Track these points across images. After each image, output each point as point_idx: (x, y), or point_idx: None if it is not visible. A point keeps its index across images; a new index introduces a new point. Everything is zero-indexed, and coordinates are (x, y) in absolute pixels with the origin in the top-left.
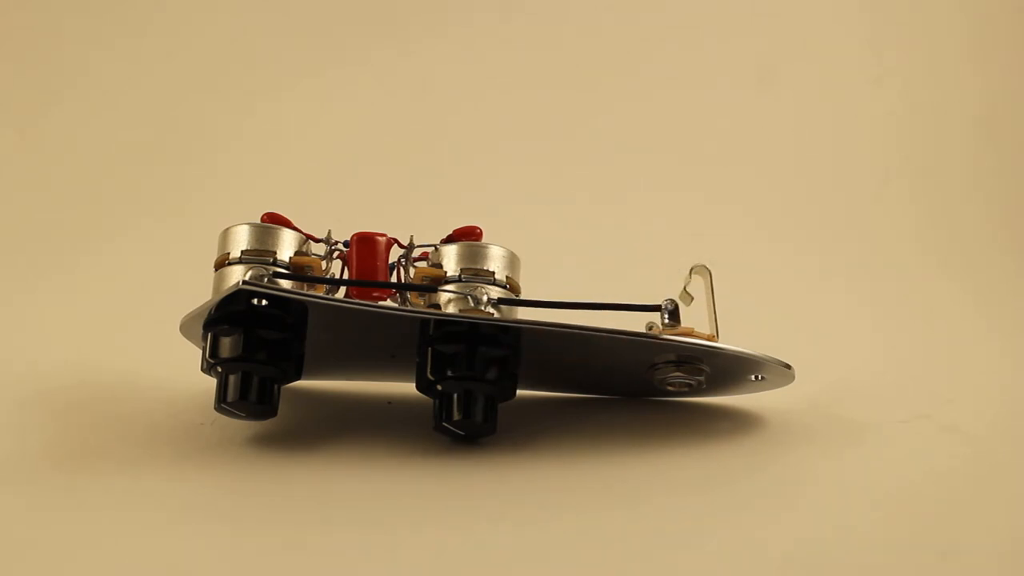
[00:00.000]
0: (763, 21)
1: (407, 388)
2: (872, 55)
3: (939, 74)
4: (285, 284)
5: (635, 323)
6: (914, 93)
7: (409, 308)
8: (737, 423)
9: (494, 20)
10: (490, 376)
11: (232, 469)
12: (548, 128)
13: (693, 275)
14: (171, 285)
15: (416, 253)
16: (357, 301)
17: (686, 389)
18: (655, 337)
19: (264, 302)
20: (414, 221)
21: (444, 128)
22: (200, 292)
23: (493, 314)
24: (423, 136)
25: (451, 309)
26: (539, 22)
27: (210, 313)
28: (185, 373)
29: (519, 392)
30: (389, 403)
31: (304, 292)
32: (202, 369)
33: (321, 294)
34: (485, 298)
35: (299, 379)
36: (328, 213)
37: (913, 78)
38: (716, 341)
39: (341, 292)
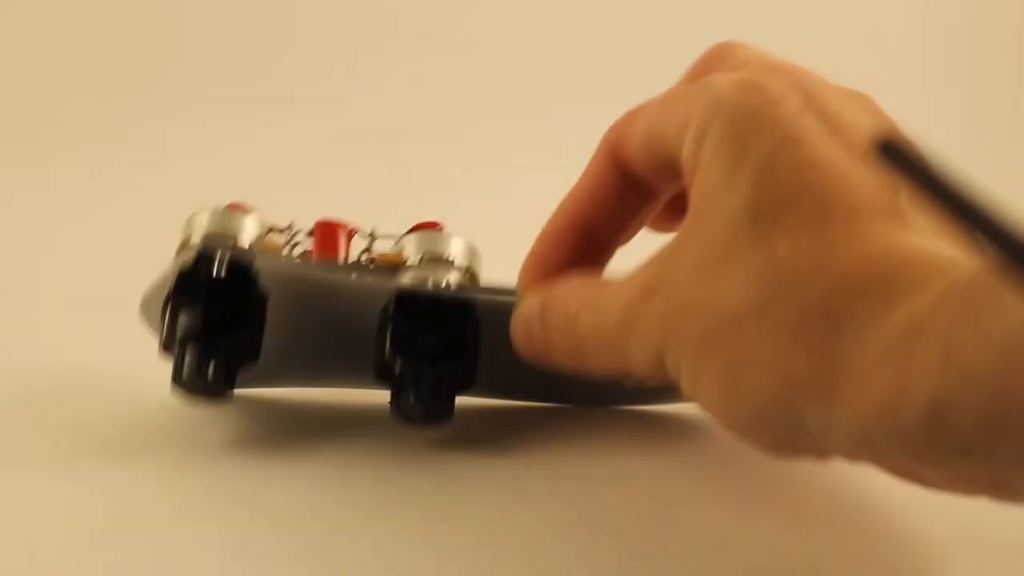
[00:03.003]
0: None
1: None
2: None
3: None
4: None
5: None
6: None
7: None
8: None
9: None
10: (447, 356)
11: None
12: (515, 124)
13: None
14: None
15: (377, 244)
16: (315, 265)
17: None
18: None
19: (223, 275)
20: (378, 219)
21: (410, 123)
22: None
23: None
24: (391, 130)
25: None
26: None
27: (168, 290)
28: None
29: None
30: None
31: (255, 252)
32: (160, 349)
33: (281, 258)
34: (445, 280)
35: (256, 360)
36: (293, 207)
37: None
38: None
39: None
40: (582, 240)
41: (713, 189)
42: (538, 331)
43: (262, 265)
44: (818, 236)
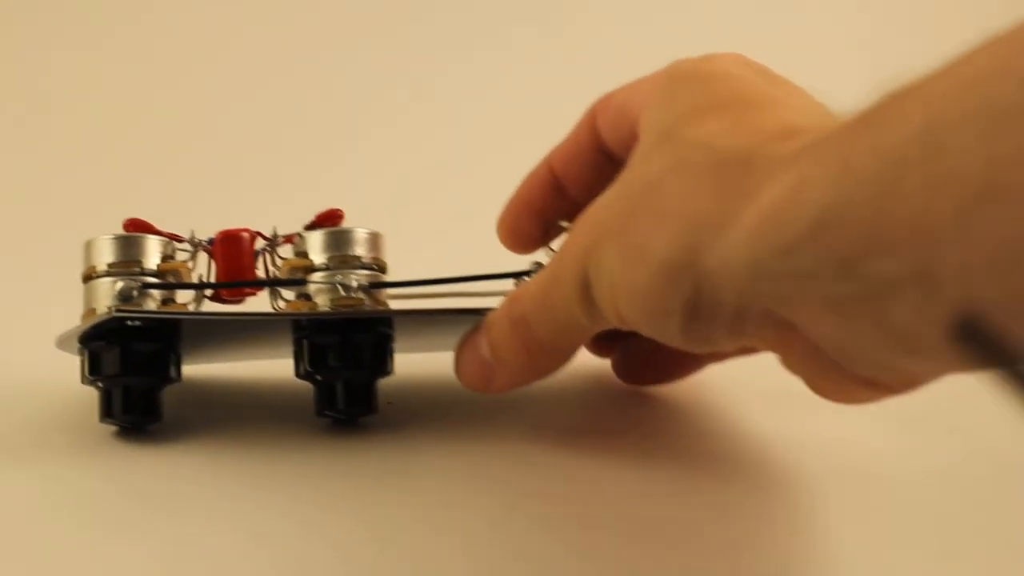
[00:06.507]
0: None
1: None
2: None
3: None
4: (155, 294)
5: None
6: None
7: (275, 312)
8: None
9: None
10: (365, 362)
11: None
12: (399, 95)
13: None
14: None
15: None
16: (225, 313)
17: None
18: None
19: (138, 322)
20: (274, 208)
21: (291, 108)
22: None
23: (363, 300)
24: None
25: (321, 299)
26: None
27: (84, 333)
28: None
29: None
30: (389, 403)
31: (174, 313)
32: (82, 381)
33: (189, 309)
34: (355, 283)
35: (179, 381)
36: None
37: None
38: None
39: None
40: (557, 189)
41: (652, 123)
42: (486, 351)
43: (168, 319)
44: (741, 120)
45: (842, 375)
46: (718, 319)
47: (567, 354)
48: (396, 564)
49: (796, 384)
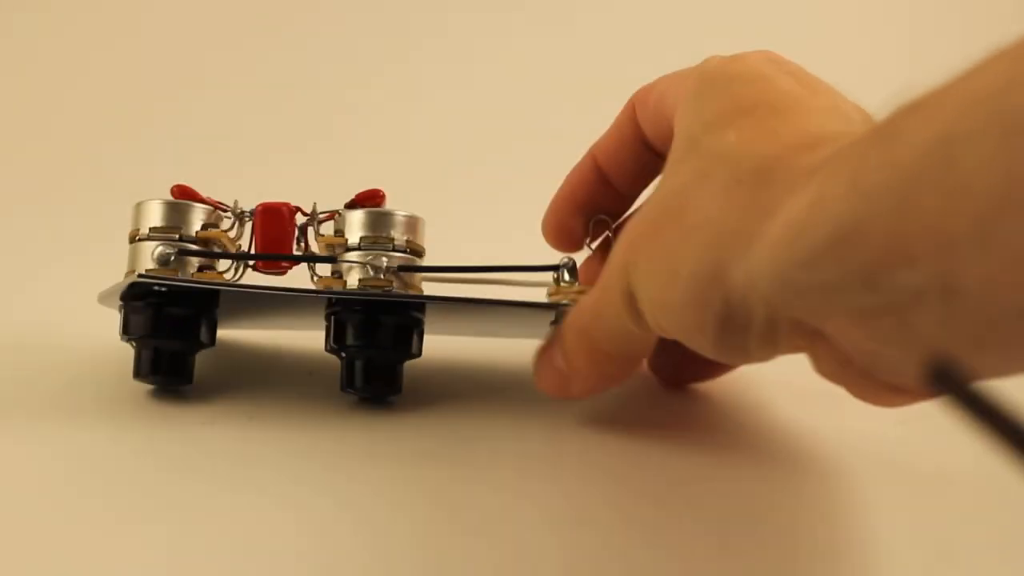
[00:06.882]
0: None
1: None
2: None
3: None
4: (192, 260)
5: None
6: None
7: (296, 288)
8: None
9: None
10: (391, 342)
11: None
12: (456, 84)
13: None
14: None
15: (321, 219)
16: (247, 285)
17: None
18: (555, 305)
19: (164, 288)
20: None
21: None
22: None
23: (392, 282)
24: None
25: (352, 277)
26: None
27: (123, 292)
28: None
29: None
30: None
31: (190, 281)
32: (121, 338)
33: (225, 279)
34: (384, 264)
35: (213, 345)
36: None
37: None
38: None
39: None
40: (602, 182)
41: (682, 128)
42: (560, 360)
43: (198, 287)
44: (763, 128)
45: (872, 381)
46: (750, 331)
47: (632, 360)
48: (412, 540)
49: (821, 382)
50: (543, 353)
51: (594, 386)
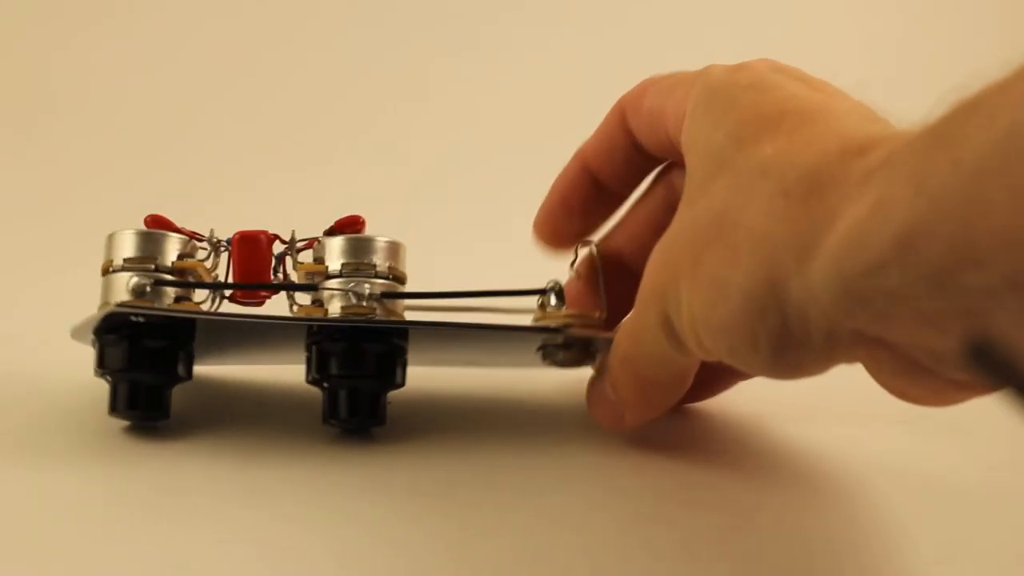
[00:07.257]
0: None
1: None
2: None
3: None
4: (169, 291)
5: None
6: None
7: (275, 316)
8: None
9: None
10: (374, 371)
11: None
12: (427, 110)
13: (579, 251)
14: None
15: (300, 247)
16: (226, 314)
17: (575, 365)
18: (544, 329)
19: (141, 319)
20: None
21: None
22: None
23: (375, 309)
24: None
25: (334, 305)
26: None
27: (98, 325)
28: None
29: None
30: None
31: (170, 310)
32: (95, 374)
33: (202, 309)
34: (367, 292)
35: (190, 379)
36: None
37: None
38: (603, 316)
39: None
40: (593, 184)
41: (700, 144)
42: (610, 392)
43: (177, 316)
44: (798, 137)
45: (936, 381)
46: (808, 346)
47: (677, 385)
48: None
49: (813, 395)
50: (594, 385)
51: (643, 414)
